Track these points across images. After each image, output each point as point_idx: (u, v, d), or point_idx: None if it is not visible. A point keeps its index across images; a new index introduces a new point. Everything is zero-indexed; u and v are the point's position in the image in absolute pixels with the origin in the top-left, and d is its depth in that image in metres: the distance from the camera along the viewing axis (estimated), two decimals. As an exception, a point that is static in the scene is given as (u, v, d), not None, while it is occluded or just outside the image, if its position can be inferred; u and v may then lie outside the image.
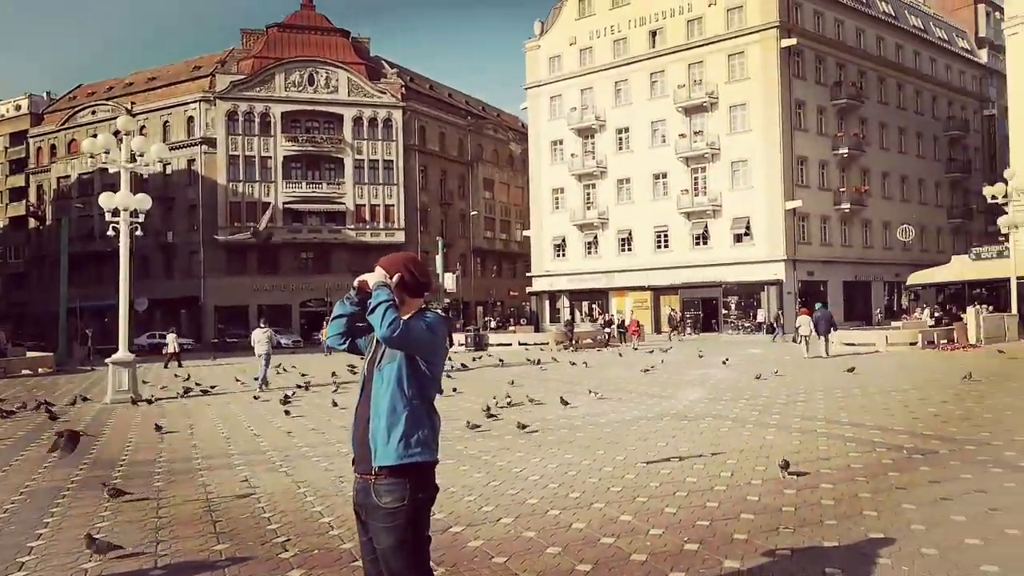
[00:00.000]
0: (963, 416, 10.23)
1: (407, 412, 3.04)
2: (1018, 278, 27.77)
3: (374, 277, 3.13)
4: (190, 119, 53.95)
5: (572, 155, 48.99)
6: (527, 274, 53.10)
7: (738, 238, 42.19)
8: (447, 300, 46.56)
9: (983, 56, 58.06)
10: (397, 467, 3.01)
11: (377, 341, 3.12)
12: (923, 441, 8.53)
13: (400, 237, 54.53)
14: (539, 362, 22.90)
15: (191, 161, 53.37)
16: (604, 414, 11.56)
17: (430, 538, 3.22)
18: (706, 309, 44.02)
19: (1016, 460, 7.41)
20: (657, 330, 43.01)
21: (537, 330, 43.66)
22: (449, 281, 42.36)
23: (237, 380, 20.13)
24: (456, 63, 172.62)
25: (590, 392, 14.03)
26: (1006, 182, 27.93)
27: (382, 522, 3.01)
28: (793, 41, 41.22)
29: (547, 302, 51.24)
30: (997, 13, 54.25)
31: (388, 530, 3.01)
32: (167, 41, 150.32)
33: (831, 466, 7.35)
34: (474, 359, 25.96)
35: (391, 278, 3.14)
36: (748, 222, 41.75)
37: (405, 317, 3.09)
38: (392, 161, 55.26)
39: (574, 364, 22.42)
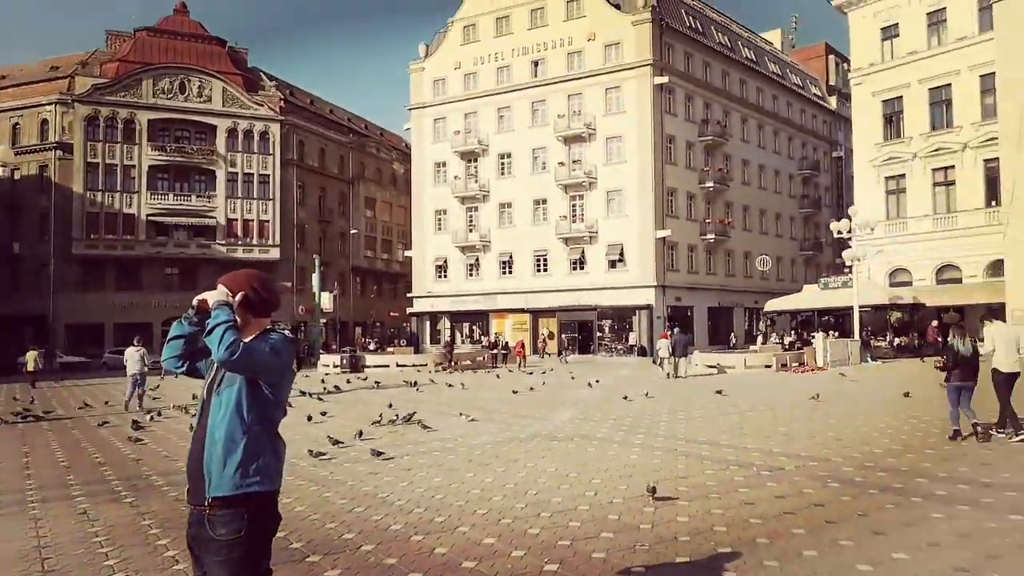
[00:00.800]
0: (808, 435, 10.98)
1: (246, 439, 2.89)
2: (860, 306, 30.37)
3: (214, 295, 2.97)
4: (44, 122, 49.97)
5: (455, 177, 49.26)
6: (408, 295, 52.64)
7: (613, 264, 43.74)
8: (323, 320, 45.29)
9: (833, 103, 63.60)
10: (232, 497, 2.84)
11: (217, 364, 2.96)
12: (772, 459, 9.07)
13: (275, 254, 52.66)
14: (416, 384, 22.65)
15: (43, 167, 49.37)
16: (476, 436, 11.55)
17: (271, 571, 3.06)
18: (582, 332, 45.22)
19: (852, 475, 8.01)
20: (534, 351, 43.67)
21: (417, 351, 43.26)
22: (326, 300, 41.23)
23: (86, 404, 18.63)
24: (340, 81, 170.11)
25: (461, 415, 13.99)
26: (850, 219, 30.58)
27: (216, 555, 2.84)
28: (665, 79, 43.53)
29: (428, 323, 50.95)
30: (845, 64, 59.63)
31: (222, 564, 2.83)
32: (20, 38, 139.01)
33: (688, 484, 7.66)
34: (348, 381, 25.33)
35: (234, 296, 2.99)
36: (622, 249, 43.39)
37: (248, 338, 2.94)
38: (268, 175, 53.43)
39: (451, 386, 22.34)
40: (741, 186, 50.53)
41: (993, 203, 32.73)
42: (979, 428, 9.82)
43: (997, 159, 30.95)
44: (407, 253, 54.40)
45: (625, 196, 43.63)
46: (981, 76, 33.66)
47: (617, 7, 44.79)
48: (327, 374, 29.21)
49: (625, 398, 16.52)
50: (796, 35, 71.79)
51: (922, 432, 10.83)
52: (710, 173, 46.92)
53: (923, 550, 5.30)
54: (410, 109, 52.05)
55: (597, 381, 22.03)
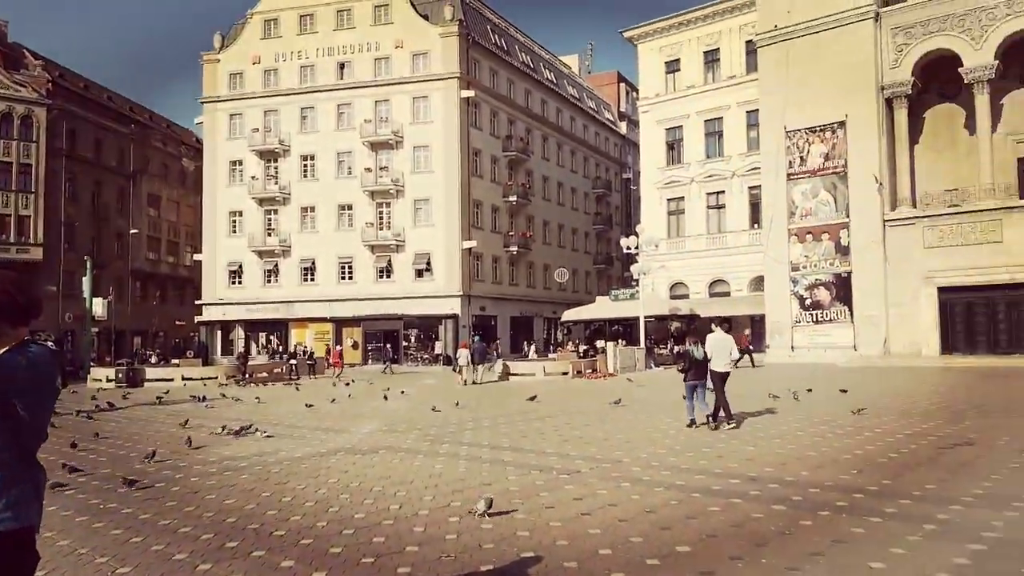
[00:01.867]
0: (604, 437, 11.62)
1: (-6, 469, 2.45)
2: (645, 317, 32.92)
3: None
4: None
5: (253, 178, 46.67)
6: (197, 302, 48.86)
7: (419, 273, 43.75)
8: (95, 329, 40.75)
9: (623, 128, 68.61)
10: (-22, 537, 2.40)
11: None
12: (569, 462, 9.47)
13: (37, 254, 46.55)
14: (204, 399, 21.02)
15: None
16: (273, 453, 10.92)
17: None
18: (388, 341, 44.67)
19: (640, 474, 8.58)
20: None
21: (206, 363, 40.24)
22: (99, 307, 37.14)
23: None
24: (121, 66, 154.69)
25: (256, 430, 13.16)
26: (638, 236, 33.08)
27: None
28: (472, 93, 44.45)
29: (219, 333, 47.65)
30: (634, 93, 64.58)
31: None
32: None
33: (493, 491, 7.76)
34: (125, 396, 22.93)
35: (-20, 303, 2.53)
36: (429, 258, 43.55)
37: (0, 351, 2.51)
38: (30, 165, 47.19)
39: (238, 400, 20.96)
40: (542, 201, 52.83)
41: (756, 225, 37.01)
42: (710, 418, 12.13)
43: (759, 187, 35.14)
44: (196, 257, 50.55)
45: (433, 205, 43.87)
46: (747, 112, 38.05)
47: (425, 17, 45.06)
48: (100, 389, 26.26)
49: (433, 409, 16.49)
50: (591, 62, 76.70)
51: (699, 431, 11.88)
52: (514, 187, 48.57)
53: (703, 540, 5.78)
54: (202, 102, 48.56)
55: (403, 392, 21.84)
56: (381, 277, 44.48)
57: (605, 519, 6.53)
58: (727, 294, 39.08)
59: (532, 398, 18.14)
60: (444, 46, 44.27)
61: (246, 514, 7.04)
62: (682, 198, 41.14)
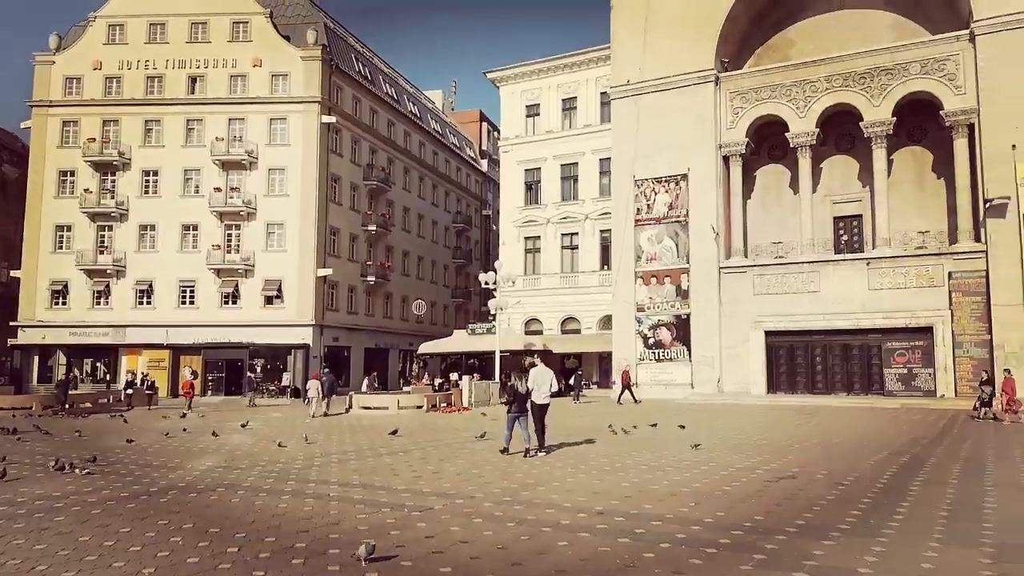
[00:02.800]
0: (457, 472, 11.56)
1: None
2: (501, 351, 33.36)
3: None
4: None
5: (87, 190, 43.01)
6: (11, 323, 43.93)
7: (269, 300, 41.91)
8: None
9: (484, 166, 69.93)
10: None
11: None
12: (422, 499, 9.33)
13: None
14: (15, 431, 18.83)
15: None
16: (94, 492, 9.93)
17: None
18: (231, 371, 42.26)
19: (493, 510, 8.59)
20: (174, 393, 39.49)
21: (20, 392, 36.24)
22: None
23: None
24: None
25: (73, 468, 11.94)
26: (496, 271, 33.69)
27: None
28: (333, 119, 43.68)
29: (36, 358, 43.05)
30: (496, 132, 66.15)
31: None
32: None
33: (339, 531, 7.48)
34: (-85, 429, 20.06)
35: None
36: (280, 285, 41.87)
37: None
38: None
39: (48, 434, 18.97)
40: (402, 232, 52.51)
41: (606, 267, 38.77)
42: (528, 449, 13.23)
43: (610, 230, 36.91)
44: (14, 273, 45.60)
45: (287, 230, 42.34)
46: (601, 159, 40.04)
47: (287, 39, 43.94)
48: None
49: (279, 444, 15.68)
50: (455, 99, 77.97)
51: (549, 465, 12.10)
52: (373, 217, 47.96)
53: (537, 557, 5.87)
54: (31, 105, 44.39)
55: (244, 425, 20.66)
56: (227, 303, 42.18)
57: (458, 556, 6.47)
58: (578, 331, 40.49)
59: (393, 432, 17.78)
60: (306, 69, 43.31)
61: (60, 560, 6.33)
62: (539, 237, 42.41)
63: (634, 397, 29.68)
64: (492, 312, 34.31)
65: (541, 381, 13.59)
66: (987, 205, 28.10)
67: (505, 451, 13.41)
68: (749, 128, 33.46)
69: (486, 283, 33.69)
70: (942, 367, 28.85)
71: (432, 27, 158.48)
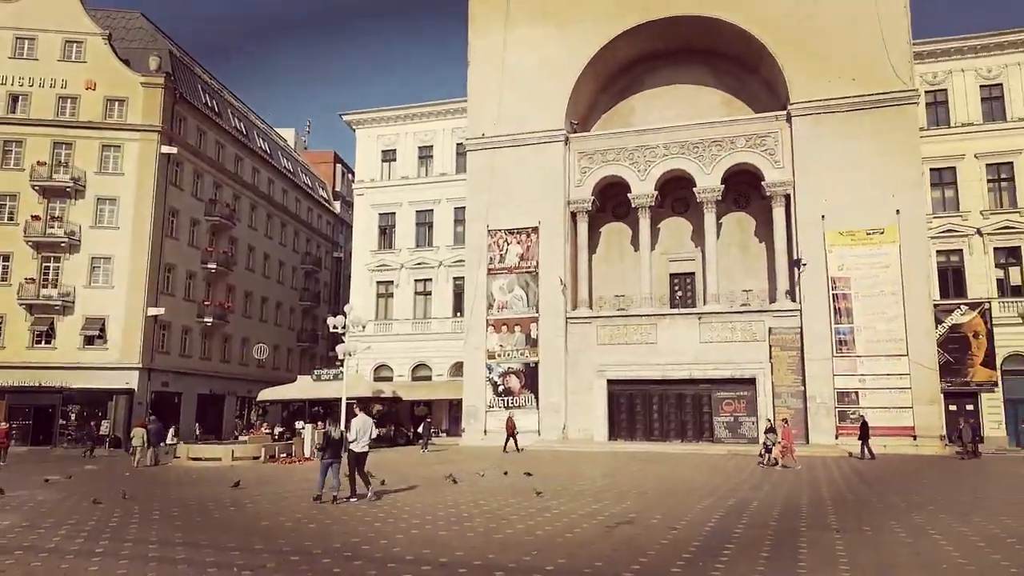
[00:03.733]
0: (292, 528, 10.96)
1: None
2: (347, 398, 32.26)
3: None
4: None
5: None
6: None
7: (90, 340, 38.24)
8: None
9: (337, 207, 68.65)
10: None
11: None
12: (254, 557, 8.74)
13: None
14: None
15: None
16: None
17: None
18: (39, 418, 37.92)
19: (331, 566, 8.19)
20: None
21: None
22: None
23: None
24: None
25: None
26: (345, 315, 32.76)
27: None
28: (174, 150, 41.28)
29: None
30: (350, 175, 65.32)
31: None
32: None
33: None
34: None
35: None
36: (104, 324, 38.41)
37: None
38: None
39: None
40: (245, 271, 50.09)
41: (458, 314, 38.97)
42: (336, 496, 13.37)
43: (463, 278, 37.26)
44: None
45: (115, 265, 39.09)
46: (456, 207, 40.55)
47: (126, 63, 41.34)
48: None
49: (94, 501, 14.17)
50: (309, 138, 76.40)
51: (395, 517, 11.78)
52: (214, 254, 45.45)
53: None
54: None
55: (47, 480, 18.55)
56: (40, 342, 38.06)
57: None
58: (429, 378, 40.18)
59: (235, 484, 16.60)
60: (146, 96, 40.80)
61: None
62: (392, 282, 42.00)
63: (517, 445, 29.74)
64: (340, 357, 33.28)
65: (362, 430, 13.91)
66: (800, 268, 31.19)
67: (318, 499, 13.43)
68: (596, 187, 35.27)
69: (335, 327, 32.64)
70: (764, 416, 31.26)
71: (286, 65, 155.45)
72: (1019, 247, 32.34)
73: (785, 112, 32.69)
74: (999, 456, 27.79)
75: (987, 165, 33.24)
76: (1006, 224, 32.46)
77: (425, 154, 42.91)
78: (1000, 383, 31.36)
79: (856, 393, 29.80)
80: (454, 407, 37.09)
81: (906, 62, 31.06)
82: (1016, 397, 31.52)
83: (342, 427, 13.90)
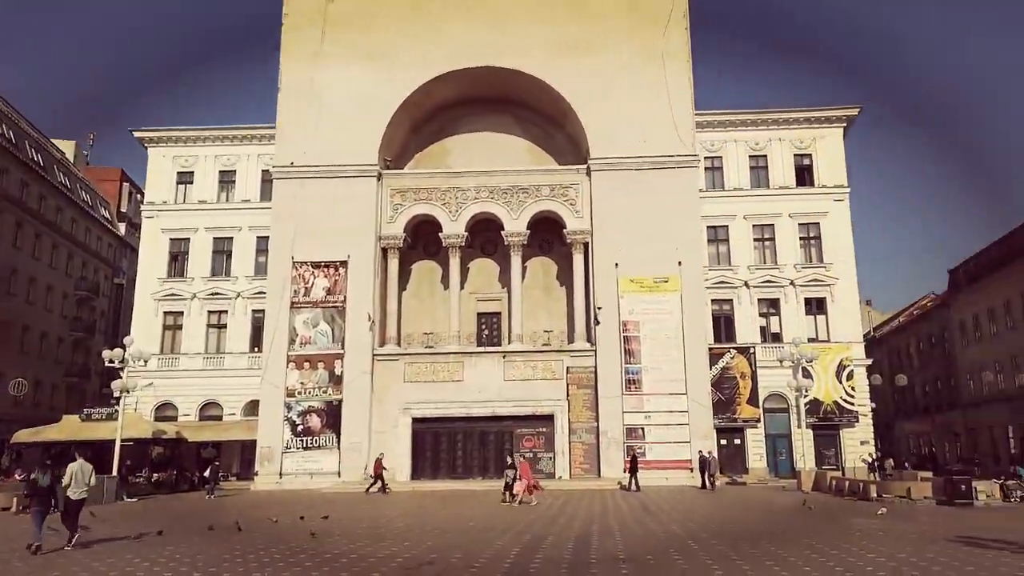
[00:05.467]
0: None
1: None
2: (123, 440, 29.11)
3: None
4: None
5: None
6: None
7: None
8: None
9: (122, 229, 62.60)
10: None
11: None
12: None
13: None
14: None
15: None
16: None
17: None
18: None
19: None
20: None
21: None
22: None
23: None
24: None
25: None
26: (125, 348, 29.71)
27: None
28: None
29: None
30: (139, 195, 59.96)
31: None
32: None
33: None
34: None
35: None
36: None
37: None
38: None
39: None
40: (6, 296, 43.97)
41: (256, 349, 36.87)
42: (35, 546, 12.56)
43: (263, 310, 35.37)
44: None
45: None
46: (258, 236, 38.60)
47: None
48: None
49: None
50: (92, 152, 69.15)
51: (144, 571, 10.73)
52: (-36, 275, 39.50)
53: None
54: None
55: None
56: None
57: None
58: (220, 417, 37.42)
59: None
60: None
61: None
62: (182, 313, 38.89)
63: (383, 487, 28.37)
64: (116, 395, 30.04)
65: (78, 476, 13.59)
66: (596, 311, 33.23)
67: (32, 548, 12.58)
68: (408, 224, 35.34)
69: (111, 361, 29.50)
70: (561, 451, 32.58)
71: (69, 72, 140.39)
72: (778, 299, 36.83)
73: (586, 166, 35.00)
74: (738, 487, 31.08)
75: (753, 225, 37.66)
76: (768, 278, 36.89)
77: (227, 179, 40.60)
78: (762, 419, 35.23)
79: (643, 429, 32.05)
80: (247, 449, 34.79)
81: (689, 129, 34.67)
82: (775, 432, 35.55)
83: (50, 474, 13.50)
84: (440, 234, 35.17)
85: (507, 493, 22.79)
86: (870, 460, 33.70)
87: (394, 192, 35.57)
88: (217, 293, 38.91)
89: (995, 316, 41.94)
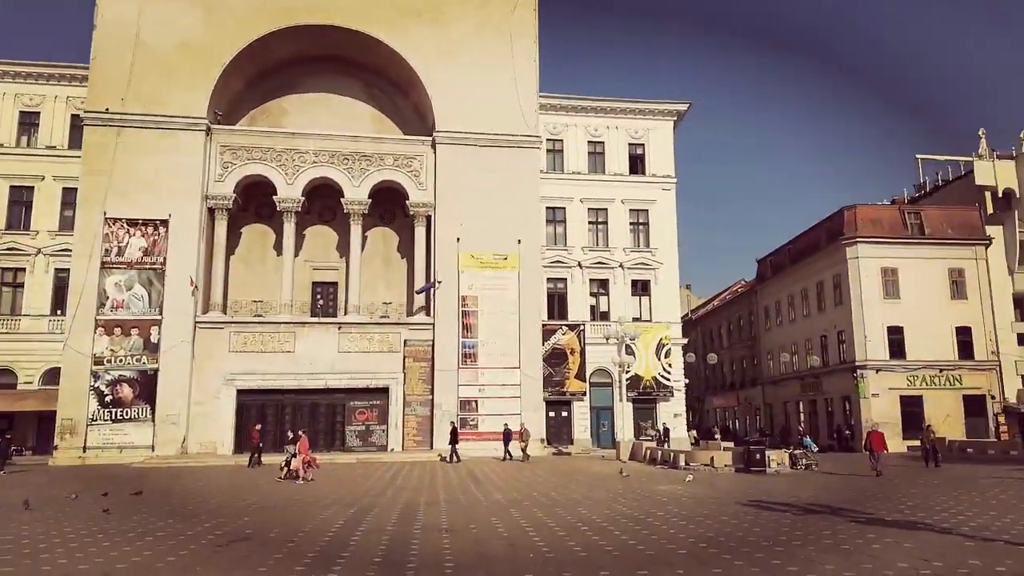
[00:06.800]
0: None
1: None
2: None
3: None
4: None
5: None
6: None
7: None
8: None
9: None
10: None
11: None
12: None
13: None
14: None
15: None
16: None
17: None
18: None
19: None
20: None
21: None
22: None
23: None
24: None
25: None
26: None
27: None
28: None
29: None
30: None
31: None
32: None
33: None
34: None
35: None
36: None
37: None
38: None
39: None
40: None
41: (59, 312, 33.43)
42: None
43: (67, 270, 32.06)
44: None
45: None
46: (64, 188, 34.86)
47: None
48: None
49: None
50: None
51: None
52: None
53: None
54: None
55: None
56: None
57: None
58: (14, 386, 33.64)
59: None
60: None
61: None
62: (-33, 269, 34.38)
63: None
64: None
65: None
66: (436, 285, 33.22)
67: None
68: (238, 184, 33.32)
69: None
70: (394, 424, 32.42)
71: None
72: (608, 280, 38.66)
73: (431, 138, 34.69)
74: (563, 456, 32.76)
75: (589, 209, 39.19)
76: (599, 260, 38.60)
77: (30, 121, 36.24)
78: (588, 393, 37.01)
79: (476, 402, 32.61)
80: (45, 421, 31.62)
81: (533, 111, 35.31)
82: (599, 405, 37.49)
83: None
84: (274, 197, 33.52)
85: (286, 468, 21.31)
86: (656, 433, 35.91)
87: (224, 149, 33.39)
88: (13, 248, 34.76)
89: (793, 304, 46.65)
